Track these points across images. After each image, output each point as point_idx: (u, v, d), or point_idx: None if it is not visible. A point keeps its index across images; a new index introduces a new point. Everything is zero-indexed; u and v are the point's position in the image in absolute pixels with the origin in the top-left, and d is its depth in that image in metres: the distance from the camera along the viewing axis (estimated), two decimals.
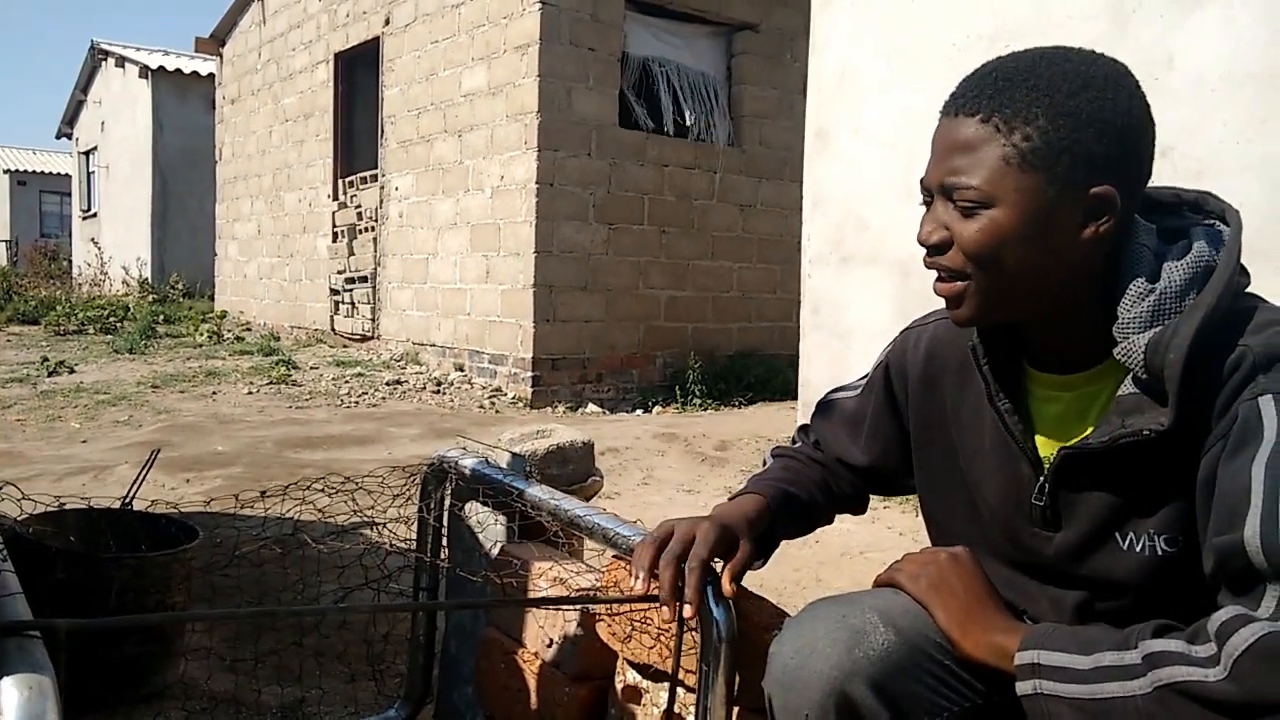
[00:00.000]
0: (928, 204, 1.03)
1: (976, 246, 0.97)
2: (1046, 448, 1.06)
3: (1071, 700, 0.90)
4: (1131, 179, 0.97)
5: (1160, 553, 0.98)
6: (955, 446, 1.15)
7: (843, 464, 1.31)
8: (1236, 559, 0.85)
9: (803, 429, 1.39)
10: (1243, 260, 0.98)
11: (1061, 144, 0.93)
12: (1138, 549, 0.99)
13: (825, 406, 1.36)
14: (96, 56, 17.72)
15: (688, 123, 7.85)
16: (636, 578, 1.13)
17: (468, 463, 1.85)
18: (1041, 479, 1.04)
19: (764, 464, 1.37)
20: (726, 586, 1.14)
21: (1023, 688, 0.93)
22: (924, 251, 1.03)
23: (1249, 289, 0.98)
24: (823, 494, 1.30)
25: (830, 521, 1.34)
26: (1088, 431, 1.01)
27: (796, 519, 1.26)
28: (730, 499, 1.25)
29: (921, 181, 1.03)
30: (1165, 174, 1.01)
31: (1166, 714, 0.83)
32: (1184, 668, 0.83)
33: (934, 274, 1.04)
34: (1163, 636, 0.88)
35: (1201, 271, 0.95)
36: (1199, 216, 1.04)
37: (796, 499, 1.26)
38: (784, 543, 1.29)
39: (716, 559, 1.15)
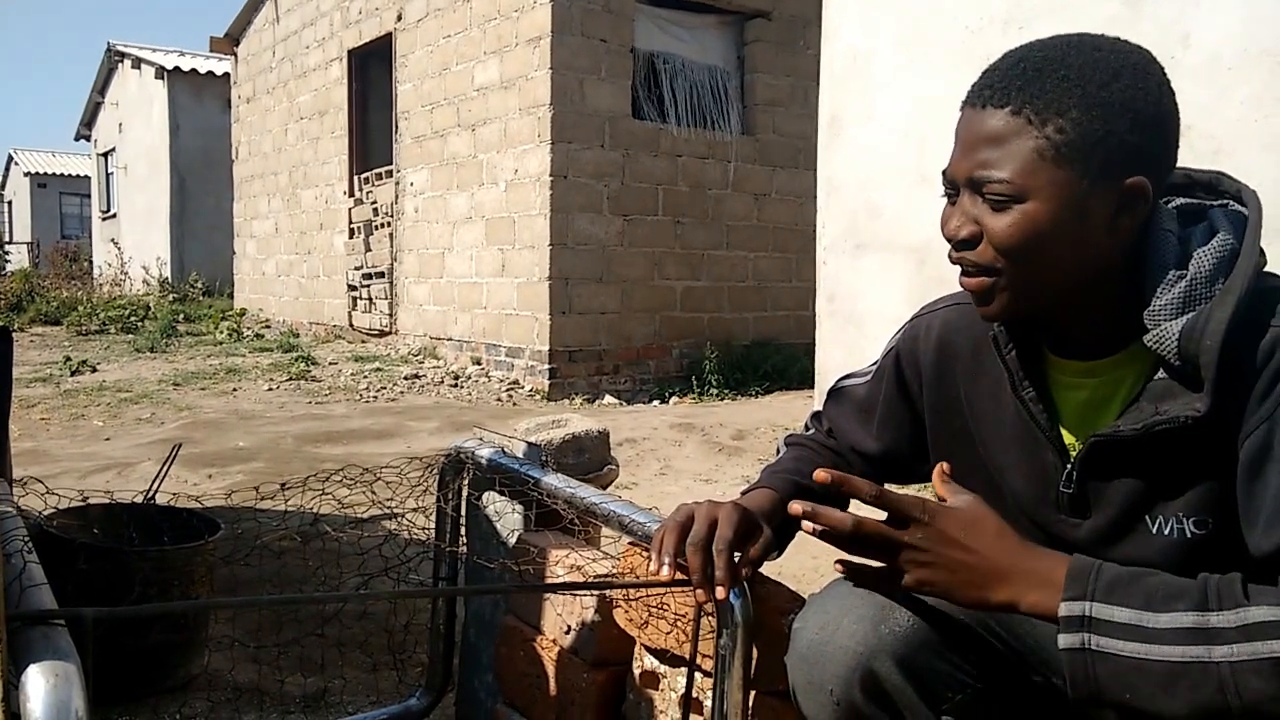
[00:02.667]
0: (950, 196, 1.01)
1: (1009, 241, 0.95)
2: (1071, 434, 1.05)
3: (1130, 659, 0.87)
4: (1161, 167, 0.97)
5: (1190, 535, 0.97)
6: (972, 433, 1.14)
7: (856, 452, 1.30)
8: None
9: (815, 416, 1.39)
10: (1262, 238, 0.98)
11: (1095, 136, 0.92)
12: (1166, 532, 0.98)
13: (836, 394, 1.35)
14: (113, 58, 17.85)
15: (692, 121, 7.82)
16: (661, 563, 1.12)
17: (484, 453, 1.86)
18: (1069, 467, 1.04)
19: (777, 453, 1.36)
20: (746, 571, 1.14)
21: (1067, 640, 0.90)
22: (949, 245, 1.01)
23: (1266, 267, 0.98)
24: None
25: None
26: (1113, 418, 1.00)
27: None
28: (743, 493, 1.25)
29: (944, 173, 1.01)
30: (1183, 154, 1.00)
31: (1266, 686, 0.82)
32: None
33: (948, 261, 1.02)
34: (1257, 603, 0.85)
35: (1228, 256, 0.95)
36: (1212, 198, 1.03)
37: (810, 490, 1.25)
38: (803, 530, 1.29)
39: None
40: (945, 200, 1.02)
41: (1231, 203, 1.01)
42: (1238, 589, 0.87)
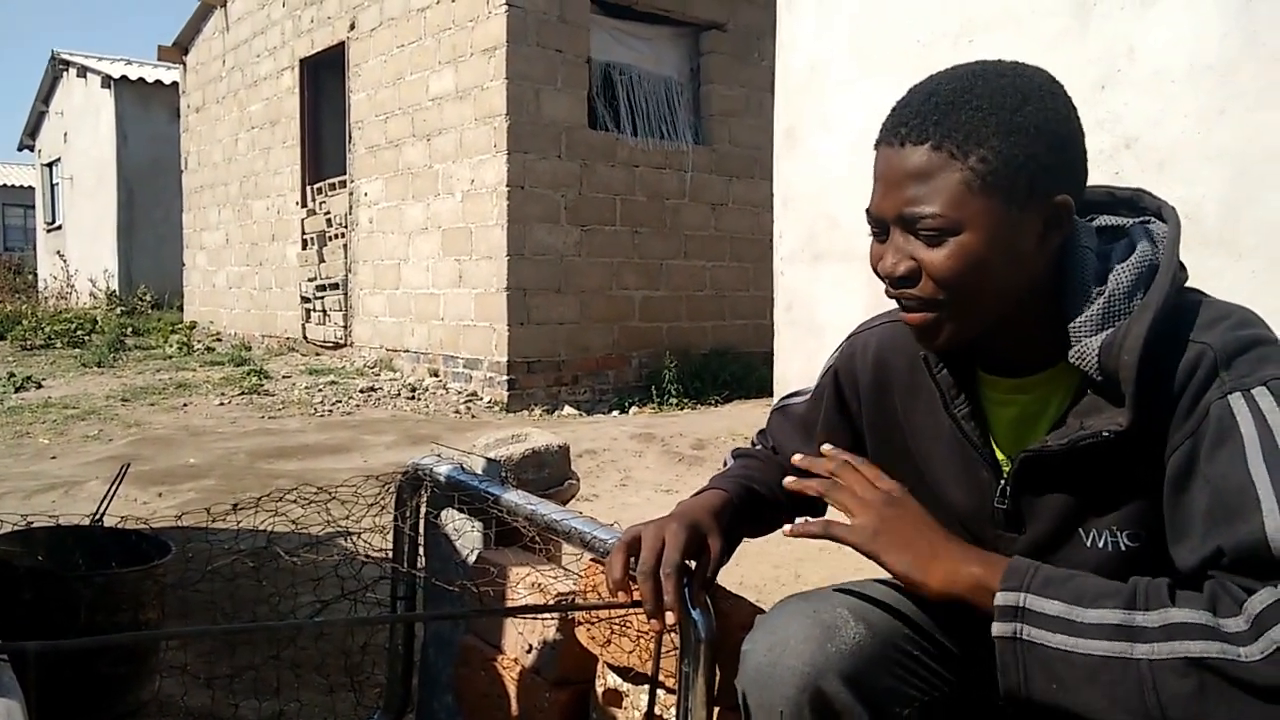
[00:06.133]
0: (876, 234, 1.02)
1: (950, 273, 0.96)
2: (1005, 450, 1.07)
3: (1057, 651, 0.89)
4: (1078, 182, 0.99)
5: (1124, 548, 0.99)
6: (912, 450, 1.15)
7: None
8: (1257, 552, 0.85)
9: (761, 433, 1.41)
10: (1205, 247, 0.99)
11: (1017, 161, 0.94)
12: (1100, 545, 1.00)
13: (779, 412, 1.37)
14: (57, 67, 17.49)
15: (647, 132, 7.84)
16: (615, 591, 1.13)
17: (443, 470, 1.84)
18: (1002, 483, 1.05)
19: (725, 465, 1.37)
20: (699, 596, 1.14)
21: (1000, 629, 0.92)
22: (884, 282, 1.01)
23: (1189, 281, 1.00)
24: (784, 491, 1.30)
25: (791, 521, 1.34)
26: (1044, 433, 1.01)
27: (758, 515, 1.27)
28: (693, 496, 1.25)
29: (869, 212, 1.01)
30: (1129, 165, 1.02)
31: (1180, 685, 0.83)
32: (1214, 643, 0.83)
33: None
34: (1181, 605, 0.87)
35: (1146, 271, 0.97)
36: (1133, 215, 1.05)
37: (759, 495, 1.26)
38: (763, 539, 1.29)
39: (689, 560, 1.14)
40: (872, 239, 1.03)
41: (1153, 219, 1.04)
42: (1164, 592, 0.89)
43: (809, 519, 1.08)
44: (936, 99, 0.97)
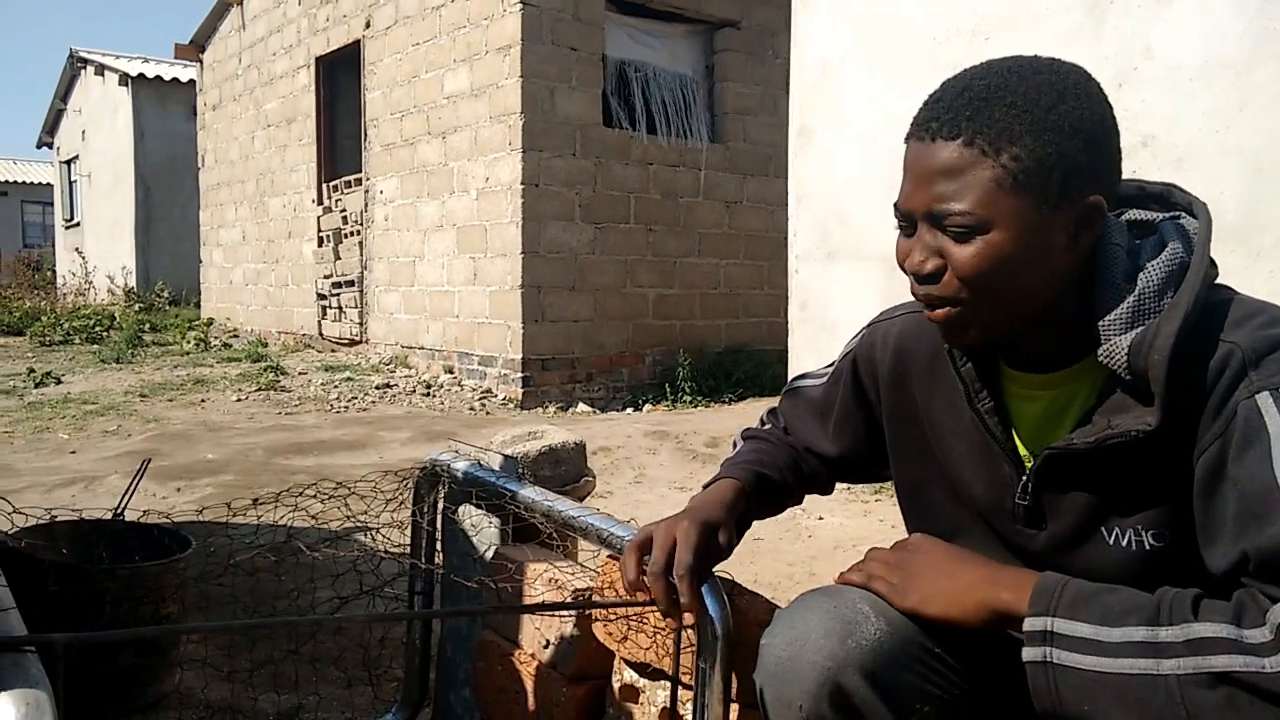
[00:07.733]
0: (904, 229, 1.01)
1: (976, 271, 0.95)
2: (1027, 446, 1.06)
3: (1087, 673, 0.89)
4: (1112, 182, 0.98)
5: (1148, 547, 0.98)
6: (931, 441, 1.15)
7: (811, 452, 1.31)
8: (1278, 558, 0.85)
9: (771, 413, 1.40)
10: (1223, 245, 0.99)
11: (1050, 160, 0.92)
12: (1124, 544, 0.99)
13: (792, 393, 1.36)
14: (75, 64, 17.62)
15: (662, 130, 7.84)
16: (629, 594, 1.14)
17: (460, 466, 1.85)
18: (1024, 478, 1.04)
19: (734, 446, 1.37)
20: (713, 585, 1.15)
21: (1030, 654, 0.92)
22: (911, 278, 1.01)
23: (1219, 279, 0.99)
24: (793, 475, 1.30)
25: (800, 501, 1.35)
26: (1068, 430, 1.01)
27: (769, 500, 1.28)
28: (705, 486, 1.25)
29: (897, 207, 1.00)
30: (1146, 163, 1.02)
31: (1209, 698, 0.83)
32: (1238, 656, 0.83)
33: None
34: (1204, 618, 0.86)
35: (1177, 269, 0.96)
36: (1164, 210, 1.04)
37: (770, 480, 1.27)
38: (778, 539, 1.30)
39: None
40: (899, 233, 1.02)
41: (1183, 215, 1.02)
42: (1188, 605, 0.88)
43: (854, 568, 1.10)
44: (970, 94, 0.95)
